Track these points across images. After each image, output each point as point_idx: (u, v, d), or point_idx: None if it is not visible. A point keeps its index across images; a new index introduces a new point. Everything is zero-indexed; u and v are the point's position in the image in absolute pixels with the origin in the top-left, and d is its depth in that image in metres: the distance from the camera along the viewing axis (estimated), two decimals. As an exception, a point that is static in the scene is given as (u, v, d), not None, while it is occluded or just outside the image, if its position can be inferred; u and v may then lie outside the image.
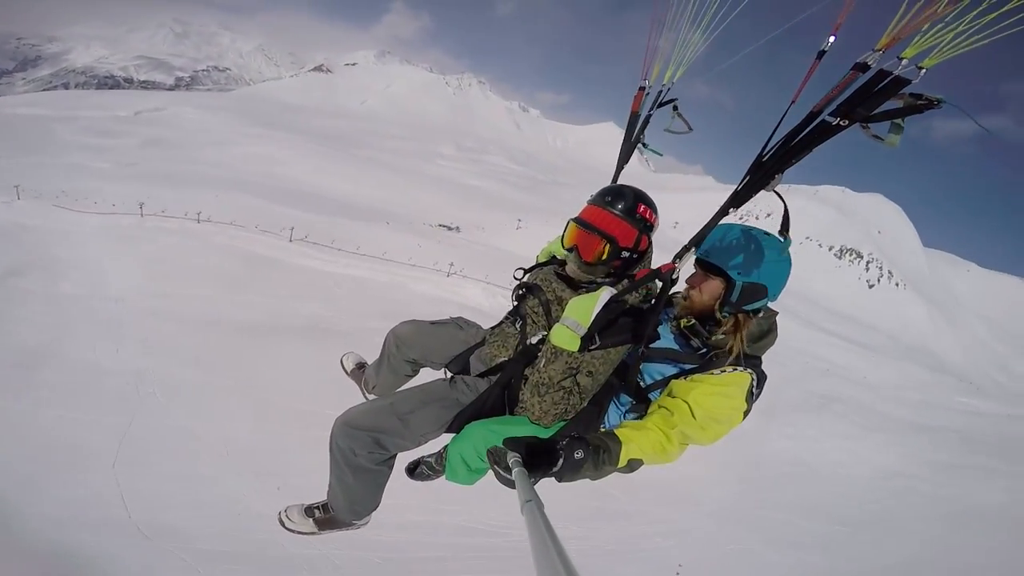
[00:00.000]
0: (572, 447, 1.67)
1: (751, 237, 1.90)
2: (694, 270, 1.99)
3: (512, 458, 1.57)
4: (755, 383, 1.94)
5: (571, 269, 2.22)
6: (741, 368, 1.89)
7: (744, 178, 1.52)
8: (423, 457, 2.84)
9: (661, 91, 2.29)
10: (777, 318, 2.05)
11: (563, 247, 2.22)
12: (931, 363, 68.63)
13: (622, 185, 2.18)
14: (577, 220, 2.15)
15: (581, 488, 9.35)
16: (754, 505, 11.92)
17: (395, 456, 2.31)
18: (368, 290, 19.61)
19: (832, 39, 1.42)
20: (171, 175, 36.24)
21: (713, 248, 1.90)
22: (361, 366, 3.15)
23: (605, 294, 1.81)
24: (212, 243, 20.79)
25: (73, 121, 62.19)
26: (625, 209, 2.07)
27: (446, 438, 2.27)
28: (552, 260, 2.45)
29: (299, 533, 2.54)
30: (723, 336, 1.91)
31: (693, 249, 1.71)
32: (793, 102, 1.42)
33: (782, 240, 1.81)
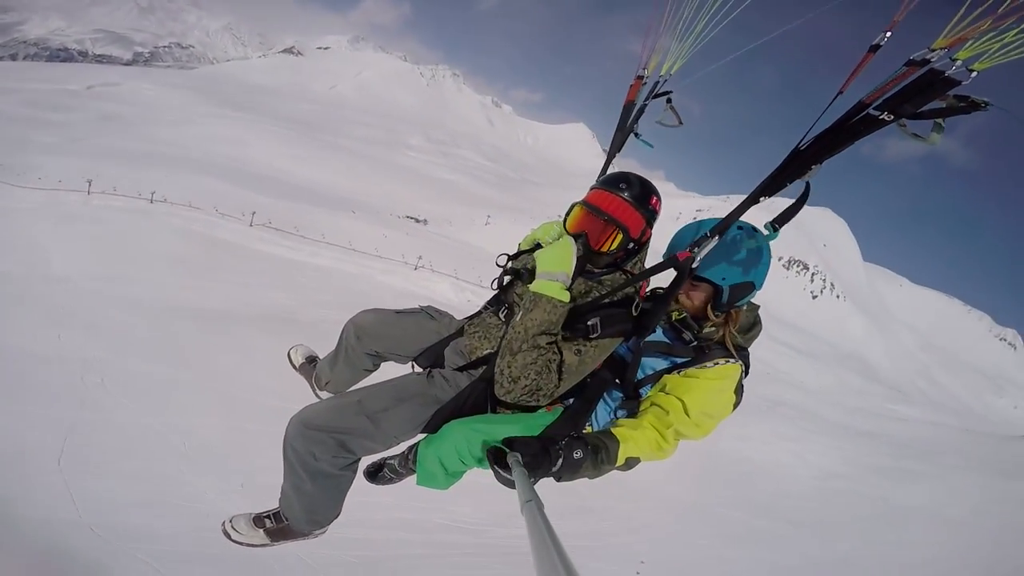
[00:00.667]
0: (571, 447, 1.66)
1: (731, 233, 1.86)
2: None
3: (512, 458, 1.55)
4: (744, 374, 1.97)
5: None
6: (733, 360, 1.91)
7: (780, 166, 1.50)
8: (386, 459, 2.69)
9: (658, 82, 2.27)
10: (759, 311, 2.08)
11: (566, 231, 2.05)
12: (864, 371, 73.56)
13: (631, 172, 2.04)
14: (586, 204, 1.99)
15: (548, 485, 9.59)
16: (710, 502, 12.45)
17: (359, 459, 2.08)
18: (333, 280, 19.08)
19: (888, 34, 1.46)
20: (123, 152, 34.68)
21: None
22: (312, 360, 2.85)
23: (572, 244, 1.83)
24: (166, 224, 20.08)
25: (17, 93, 58.99)
26: (638, 197, 1.95)
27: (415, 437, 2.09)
28: (536, 247, 2.22)
29: (248, 545, 2.29)
30: (713, 328, 1.94)
31: (716, 238, 1.69)
32: (840, 93, 1.43)
33: (765, 233, 1.79)
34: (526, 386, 1.80)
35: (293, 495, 2.09)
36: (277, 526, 2.25)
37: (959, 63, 1.20)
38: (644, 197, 1.96)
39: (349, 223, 29.16)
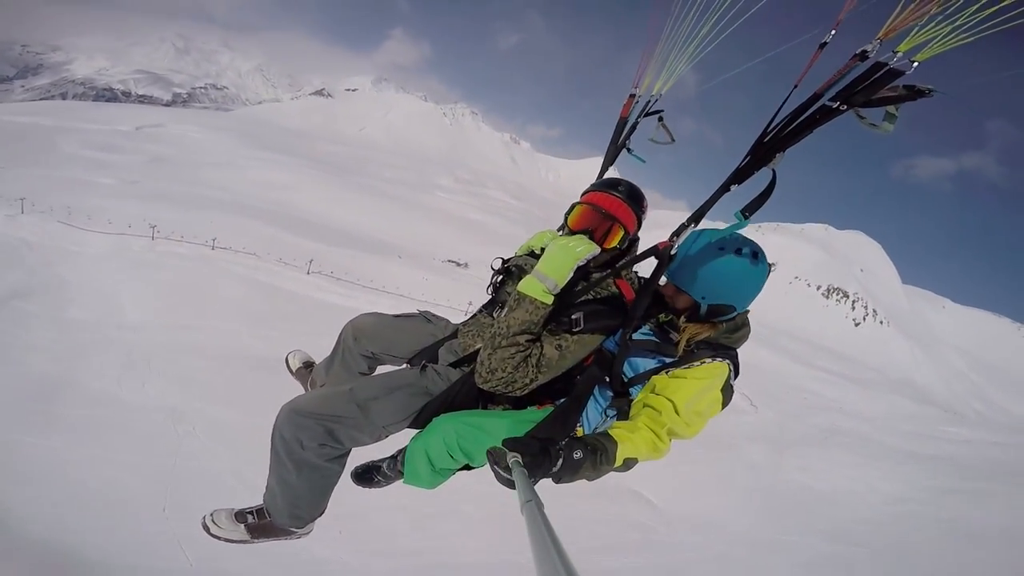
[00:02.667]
0: (571, 447, 1.69)
1: (716, 255, 1.86)
2: (666, 281, 2.00)
3: (512, 458, 1.56)
4: (732, 374, 1.97)
5: None
6: (720, 359, 1.93)
7: (746, 156, 1.56)
8: (374, 462, 2.70)
9: (650, 101, 2.34)
10: (749, 316, 2.09)
11: (570, 229, 2.11)
12: (915, 395, 70.41)
13: (614, 179, 2.18)
14: (589, 203, 2.09)
15: (623, 521, 10.07)
16: (777, 531, 12.52)
17: (348, 453, 2.08)
18: None
19: (833, 32, 1.59)
20: (177, 196, 35.45)
21: (680, 271, 1.91)
22: (309, 365, 2.91)
23: (587, 253, 1.82)
24: (228, 272, 20.27)
25: (75, 133, 60.60)
26: (631, 196, 2.07)
27: (405, 438, 2.14)
28: (531, 255, 2.30)
29: (227, 541, 2.24)
30: (694, 329, 1.96)
31: (692, 225, 1.71)
32: (795, 86, 1.53)
33: (743, 219, 1.67)
34: (502, 378, 1.84)
35: (278, 488, 2.08)
36: (259, 522, 2.22)
37: (900, 54, 1.29)
38: (636, 197, 2.09)
39: (396, 268, 29.69)
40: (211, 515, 2.24)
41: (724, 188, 1.58)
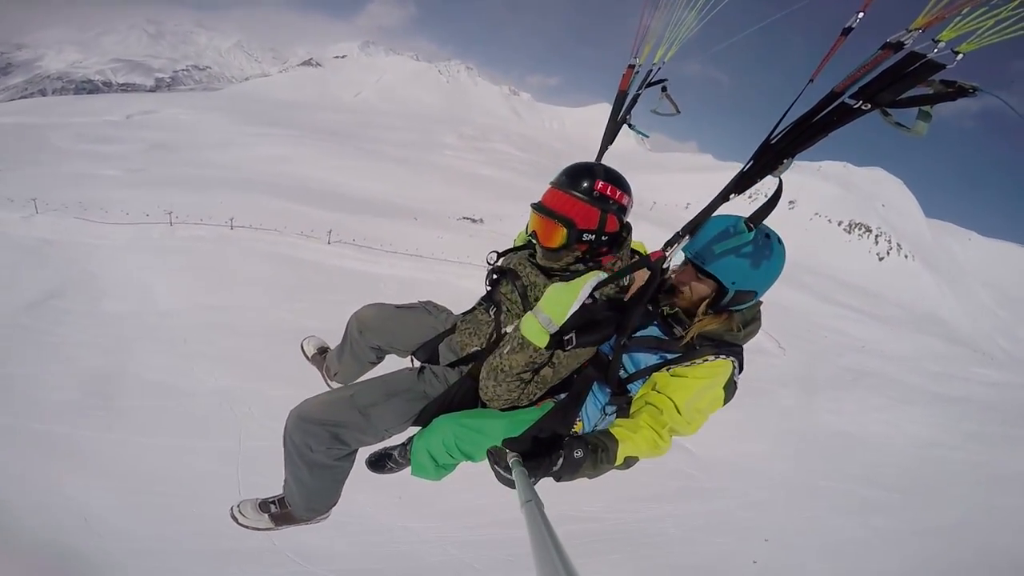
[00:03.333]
0: (572, 446, 1.66)
1: (747, 238, 1.76)
2: (685, 267, 1.93)
3: (512, 458, 1.56)
4: (736, 371, 1.93)
5: (538, 256, 2.12)
6: (724, 356, 1.88)
7: (749, 161, 1.42)
8: (386, 449, 2.77)
9: (651, 70, 2.19)
10: (761, 307, 2.01)
11: (527, 234, 2.11)
12: (942, 332, 69.83)
13: (584, 163, 2.06)
14: (535, 205, 2.05)
15: (664, 470, 10.29)
16: (813, 476, 12.81)
17: (356, 451, 2.19)
18: (417, 290, 18.97)
19: (860, 15, 1.31)
20: (184, 180, 35.52)
21: (709, 252, 1.82)
22: (323, 351, 2.99)
23: (585, 289, 1.73)
24: (251, 250, 20.66)
25: (66, 128, 59.99)
26: (583, 188, 1.95)
27: (412, 428, 2.17)
28: (529, 243, 2.27)
29: (254, 529, 2.42)
30: (707, 322, 1.90)
31: (687, 237, 1.63)
32: (811, 80, 1.32)
33: (754, 226, 1.62)
34: (507, 401, 1.92)
35: (293, 484, 2.20)
36: (281, 511, 2.37)
37: (942, 44, 1.09)
38: (589, 187, 1.95)
39: (414, 231, 29.72)
40: (238, 506, 2.40)
41: (723, 197, 1.50)
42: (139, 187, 29.85)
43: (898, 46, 1.14)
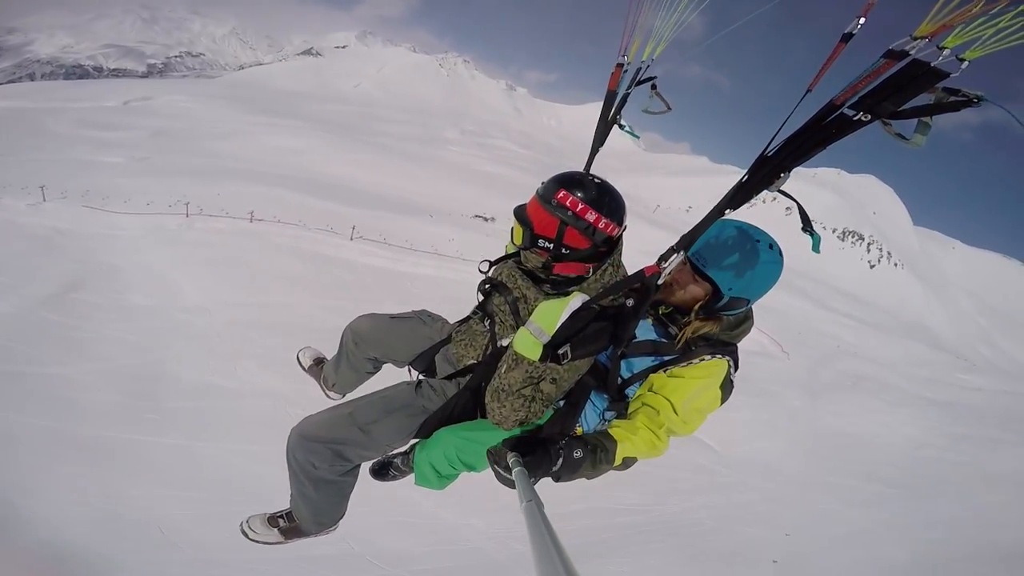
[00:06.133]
0: (571, 446, 1.68)
1: (750, 246, 1.82)
2: (683, 266, 1.91)
3: (512, 458, 1.57)
4: (732, 369, 1.94)
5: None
6: (720, 356, 1.89)
7: (745, 175, 1.38)
8: (388, 457, 2.81)
9: (640, 68, 2.13)
10: (752, 307, 2.02)
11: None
12: (928, 339, 72.11)
13: (565, 173, 1.99)
14: (515, 208, 2.06)
15: (690, 465, 11.40)
16: (823, 472, 13.80)
17: (359, 465, 2.22)
18: (443, 288, 19.55)
19: (862, 21, 1.28)
20: (193, 169, 34.55)
21: (710, 256, 1.84)
22: (319, 362, 3.01)
23: (575, 301, 1.72)
24: (273, 244, 20.10)
25: (62, 113, 57.81)
26: (547, 196, 1.91)
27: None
28: (517, 264, 2.20)
29: (264, 543, 2.46)
30: (699, 324, 1.91)
31: (681, 252, 1.58)
32: (809, 90, 1.28)
33: (812, 237, 1.59)
34: (516, 420, 1.90)
35: (300, 500, 2.25)
36: (290, 525, 2.43)
37: (946, 52, 1.05)
38: (548, 195, 1.91)
39: (429, 228, 29.66)
40: (247, 521, 2.49)
41: (718, 212, 1.44)
42: (146, 175, 29.16)
43: (902, 55, 1.10)
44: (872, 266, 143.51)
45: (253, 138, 62.15)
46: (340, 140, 75.14)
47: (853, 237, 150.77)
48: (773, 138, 1.29)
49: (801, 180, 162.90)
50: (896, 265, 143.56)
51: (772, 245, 1.87)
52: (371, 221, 26.86)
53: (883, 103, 1.12)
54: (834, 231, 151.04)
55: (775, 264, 1.85)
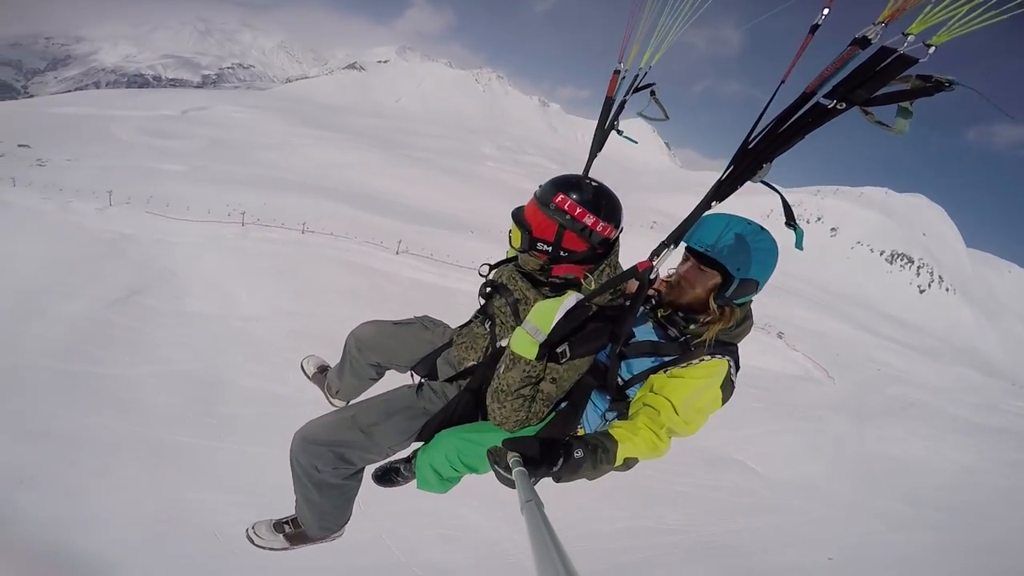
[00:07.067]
0: (572, 446, 1.67)
1: (749, 231, 1.84)
2: (687, 263, 1.93)
3: (512, 458, 1.56)
4: (732, 370, 1.92)
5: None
6: (720, 356, 1.88)
7: (729, 167, 1.40)
8: (392, 463, 2.78)
9: (637, 75, 2.14)
10: (752, 306, 2.02)
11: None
12: (980, 365, 68.76)
13: (563, 176, 2.00)
14: (513, 210, 2.07)
15: (735, 488, 11.72)
16: (868, 495, 13.80)
17: (362, 469, 2.22)
18: None
19: (826, 11, 1.29)
20: (248, 179, 35.56)
21: (714, 243, 1.83)
22: (323, 369, 3.02)
23: (569, 299, 1.74)
24: (324, 256, 20.56)
25: (125, 121, 59.77)
26: (545, 200, 1.92)
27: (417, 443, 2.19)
28: (517, 267, 2.18)
29: (270, 549, 2.45)
30: (701, 326, 1.90)
31: (671, 246, 1.61)
32: (783, 82, 1.29)
33: (795, 231, 1.54)
34: (517, 421, 1.90)
35: (304, 504, 2.24)
36: (295, 531, 2.41)
37: (911, 38, 1.06)
38: (547, 199, 1.92)
39: (472, 244, 30.02)
40: (253, 527, 2.47)
41: (705, 204, 1.46)
42: (204, 183, 29.98)
43: (864, 42, 1.12)
44: (922, 291, 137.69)
45: (302, 150, 64.02)
46: (384, 155, 76.85)
47: (902, 260, 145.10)
48: (753, 129, 1.31)
49: (847, 200, 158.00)
50: (948, 290, 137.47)
51: (764, 228, 1.88)
52: (416, 236, 27.42)
53: (857, 90, 1.13)
54: (882, 253, 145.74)
55: (771, 242, 1.86)
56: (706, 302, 1.88)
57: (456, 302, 19.78)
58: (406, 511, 8.20)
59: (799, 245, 1.52)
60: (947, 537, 12.35)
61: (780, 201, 1.48)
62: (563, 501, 9.79)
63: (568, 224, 1.88)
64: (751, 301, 1.97)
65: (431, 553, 8.15)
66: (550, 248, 1.93)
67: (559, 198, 1.88)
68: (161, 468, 8.19)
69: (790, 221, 1.50)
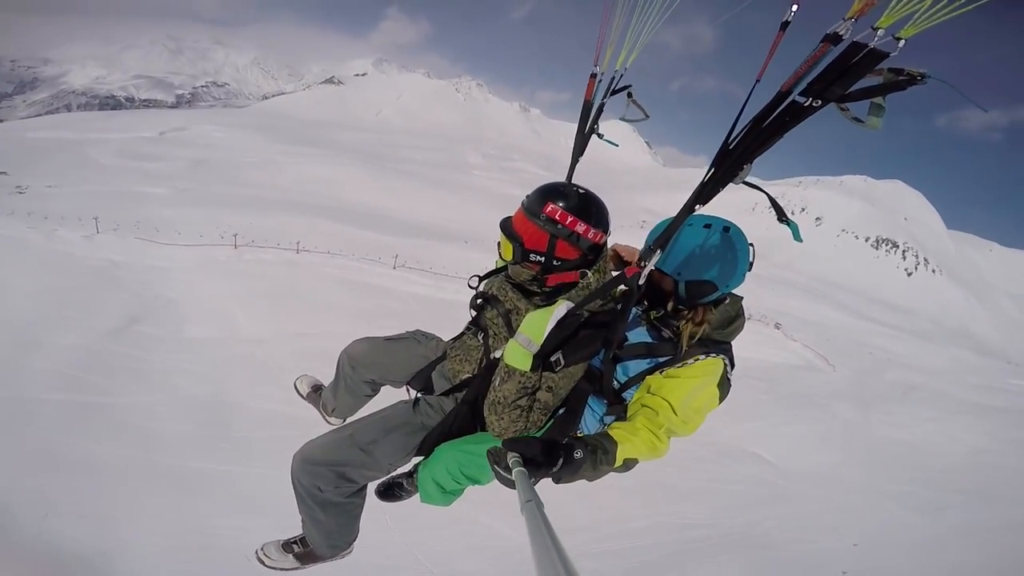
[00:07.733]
0: (572, 447, 1.67)
1: (696, 232, 1.83)
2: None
3: (512, 458, 1.56)
4: (728, 368, 1.93)
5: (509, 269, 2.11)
6: (714, 355, 1.89)
7: (710, 170, 1.41)
8: (394, 478, 2.79)
9: (614, 78, 2.16)
10: (743, 302, 2.02)
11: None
12: (974, 345, 69.93)
13: (551, 185, 1.99)
14: (501, 221, 2.06)
15: (752, 480, 11.78)
16: (881, 481, 13.88)
17: (365, 486, 2.22)
18: None
19: (795, 8, 1.28)
20: (234, 200, 34.90)
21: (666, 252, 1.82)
22: (317, 388, 3.00)
23: (560, 308, 1.73)
24: (321, 274, 20.30)
25: (102, 144, 58.27)
26: (535, 211, 1.91)
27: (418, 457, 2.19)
28: (507, 278, 2.19)
29: (281, 570, 2.43)
30: (687, 324, 1.90)
31: (658, 251, 1.62)
32: (758, 81, 1.28)
33: (789, 226, 1.59)
34: (515, 431, 1.89)
35: (311, 524, 2.24)
36: (304, 550, 2.39)
37: (881, 32, 1.06)
38: (536, 209, 1.92)
39: (467, 254, 29.97)
40: (262, 548, 2.46)
41: (689, 208, 1.47)
42: (191, 206, 29.47)
43: (836, 38, 1.12)
44: (910, 273, 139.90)
45: (287, 168, 63.28)
46: (370, 169, 76.34)
47: (887, 245, 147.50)
48: (731, 130, 1.31)
49: (828, 189, 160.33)
50: (934, 271, 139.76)
51: (709, 224, 1.86)
52: (411, 249, 27.24)
53: (831, 87, 1.14)
54: (867, 240, 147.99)
55: (713, 240, 1.83)
56: (673, 304, 1.91)
57: (457, 314, 19.10)
58: (434, 524, 8.27)
59: (798, 238, 1.55)
60: (968, 518, 12.44)
61: (766, 198, 1.51)
62: (585, 502, 9.82)
63: (559, 233, 1.89)
64: (727, 300, 1.96)
65: (461, 564, 8.19)
66: (543, 258, 1.93)
67: (549, 208, 1.89)
68: (185, 495, 8.18)
69: (782, 217, 1.51)
